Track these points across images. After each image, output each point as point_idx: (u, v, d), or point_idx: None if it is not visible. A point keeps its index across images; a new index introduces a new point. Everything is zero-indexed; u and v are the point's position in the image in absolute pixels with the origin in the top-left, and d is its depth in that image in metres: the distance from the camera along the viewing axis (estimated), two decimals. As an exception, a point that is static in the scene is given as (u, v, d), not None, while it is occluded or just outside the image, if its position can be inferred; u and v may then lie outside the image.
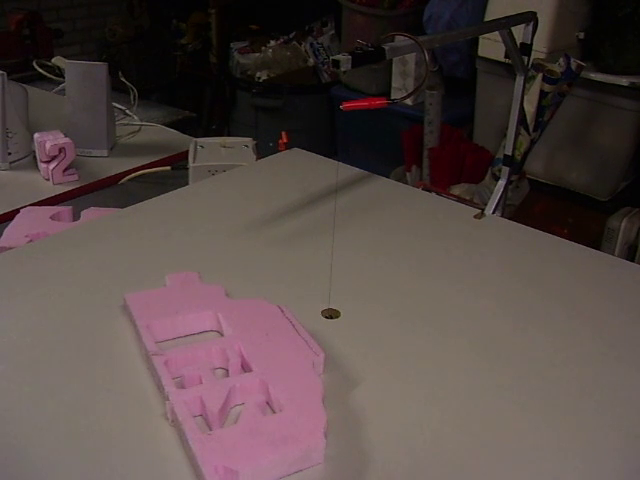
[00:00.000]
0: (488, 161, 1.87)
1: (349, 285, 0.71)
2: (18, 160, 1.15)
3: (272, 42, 2.84)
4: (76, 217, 0.92)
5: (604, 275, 0.76)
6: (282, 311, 0.63)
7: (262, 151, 1.12)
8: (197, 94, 3.02)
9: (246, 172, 1.02)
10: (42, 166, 1.09)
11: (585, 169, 1.92)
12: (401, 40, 0.76)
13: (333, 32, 2.82)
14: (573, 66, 1.63)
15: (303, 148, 1.08)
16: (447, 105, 2.04)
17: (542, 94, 1.62)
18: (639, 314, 0.69)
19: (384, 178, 0.99)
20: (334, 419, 0.52)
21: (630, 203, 1.82)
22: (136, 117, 1.37)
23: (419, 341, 0.64)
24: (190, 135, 1.30)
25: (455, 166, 1.93)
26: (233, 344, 0.59)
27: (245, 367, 0.57)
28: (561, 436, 0.53)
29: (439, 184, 1.90)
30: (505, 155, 1.10)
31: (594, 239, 1.77)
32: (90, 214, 0.90)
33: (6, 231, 0.85)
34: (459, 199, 1.47)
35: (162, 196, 0.91)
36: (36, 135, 1.08)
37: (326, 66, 2.78)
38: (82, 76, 1.16)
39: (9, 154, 1.13)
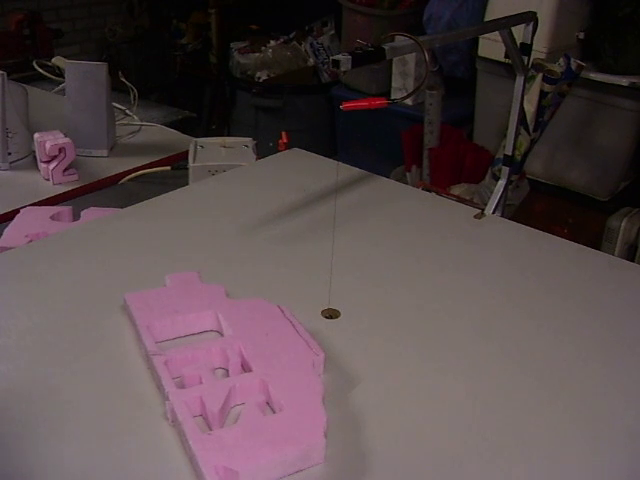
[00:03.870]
0: (488, 161, 1.87)
1: (349, 285, 0.71)
2: (18, 160, 1.15)
3: (272, 42, 2.84)
4: (76, 217, 0.92)
5: (604, 275, 0.76)
6: (282, 311, 0.63)
7: (262, 151, 1.12)
8: (197, 94, 3.02)
9: (246, 172, 1.02)
10: (42, 166, 1.09)
11: (585, 169, 1.92)
12: (401, 40, 0.76)
13: (333, 32, 2.82)
14: (573, 66, 1.63)
15: (303, 148, 1.08)
16: (447, 105, 2.04)
17: (542, 94, 1.62)
18: (639, 314, 0.69)
19: (384, 178, 0.99)
20: (334, 419, 0.52)
21: (630, 203, 1.82)
22: (136, 117, 1.37)
23: (419, 341, 0.64)
24: (190, 135, 1.30)
25: (455, 166, 1.93)
26: (233, 344, 0.59)
27: (245, 367, 0.57)
28: (561, 434, 0.53)
29: (439, 184, 1.89)
30: (505, 155, 1.10)
31: (594, 239, 1.77)
32: (90, 214, 0.90)
33: (6, 231, 0.85)
34: (459, 199, 1.47)
35: (162, 196, 0.91)
36: (36, 135, 1.08)
37: (326, 66, 2.78)
38: (82, 76, 1.16)
39: (9, 154, 1.13)
